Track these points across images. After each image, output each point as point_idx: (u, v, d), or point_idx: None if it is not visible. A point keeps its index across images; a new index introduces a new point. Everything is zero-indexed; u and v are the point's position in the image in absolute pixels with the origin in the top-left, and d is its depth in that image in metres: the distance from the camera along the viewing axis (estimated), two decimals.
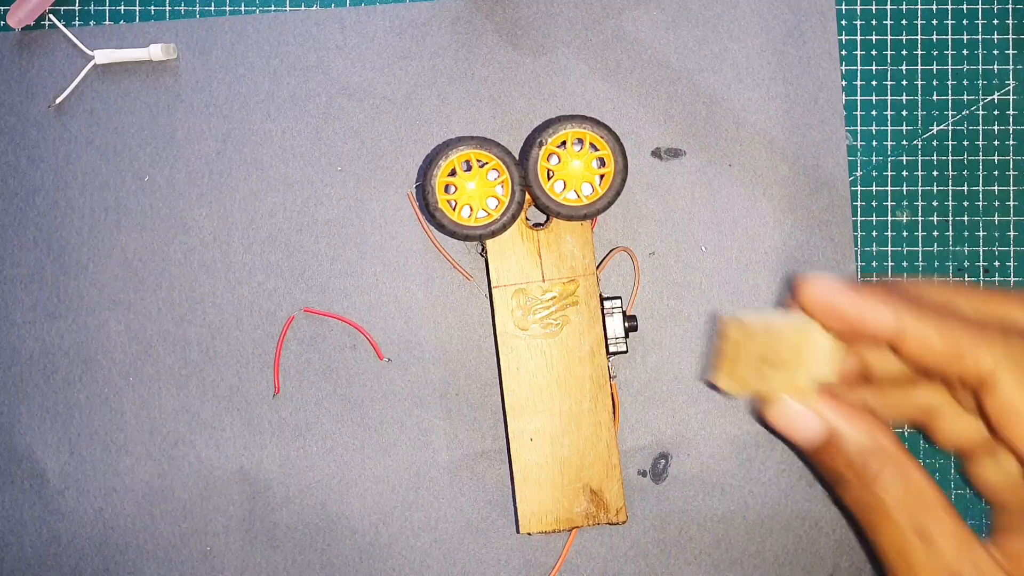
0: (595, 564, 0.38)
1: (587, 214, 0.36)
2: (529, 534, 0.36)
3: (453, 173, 0.35)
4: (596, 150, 0.36)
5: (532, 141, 0.36)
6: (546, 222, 0.37)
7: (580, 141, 0.36)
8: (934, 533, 0.29)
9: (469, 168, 0.36)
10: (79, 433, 0.39)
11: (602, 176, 0.36)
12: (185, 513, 0.39)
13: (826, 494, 0.38)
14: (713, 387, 0.38)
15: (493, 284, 0.36)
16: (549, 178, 0.36)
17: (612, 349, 0.36)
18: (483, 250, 0.37)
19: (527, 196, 0.36)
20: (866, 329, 0.29)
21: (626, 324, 0.36)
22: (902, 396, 0.33)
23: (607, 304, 0.36)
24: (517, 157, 0.36)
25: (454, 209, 0.36)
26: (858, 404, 0.33)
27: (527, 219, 0.37)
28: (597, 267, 0.37)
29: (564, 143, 0.36)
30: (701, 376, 0.38)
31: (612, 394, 0.37)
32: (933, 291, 0.31)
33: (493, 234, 0.36)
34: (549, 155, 0.36)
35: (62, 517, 0.39)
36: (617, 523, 0.36)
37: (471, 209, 0.36)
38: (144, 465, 0.39)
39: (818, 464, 0.31)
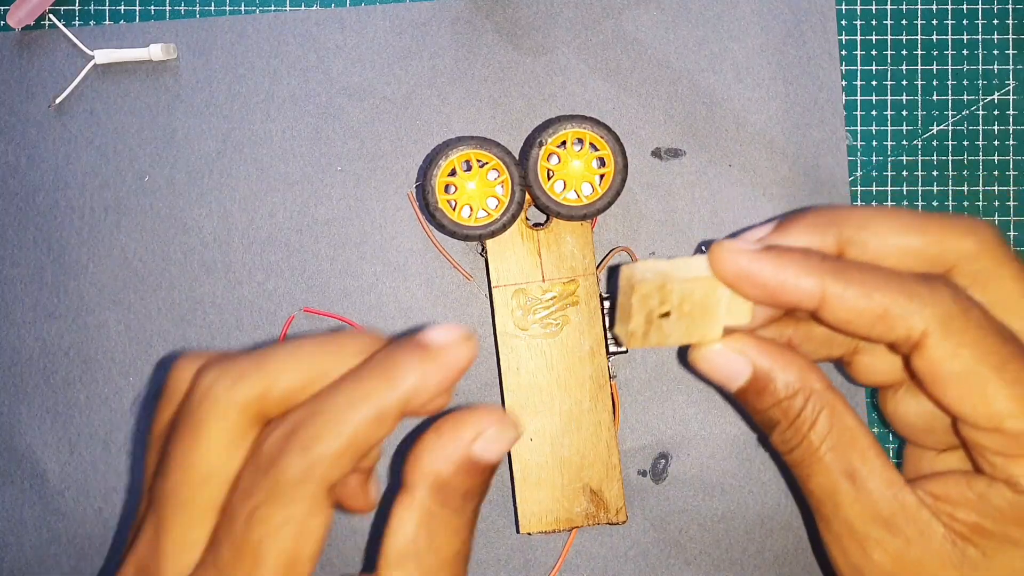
0: (595, 564, 0.38)
1: (587, 214, 0.36)
2: (529, 534, 0.36)
3: (453, 173, 0.35)
4: (596, 150, 0.36)
5: (532, 141, 0.36)
6: (546, 222, 0.37)
7: (580, 141, 0.36)
8: (864, 476, 0.28)
9: (469, 168, 0.36)
10: (79, 433, 0.39)
11: (602, 176, 0.36)
12: None
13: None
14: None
15: (493, 284, 0.36)
16: (549, 178, 0.36)
17: (612, 349, 0.36)
18: (483, 250, 0.37)
19: (527, 196, 0.36)
20: (785, 298, 0.27)
21: None
22: (826, 331, 0.31)
23: (607, 304, 0.36)
24: (517, 157, 0.36)
25: (454, 209, 0.36)
26: (782, 341, 0.32)
27: (527, 219, 0.37)
28: (597, 267, 0.37)
29: (564, 143, 0.36)
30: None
31: (612, 394, 0.37)
32: (866, 227, 0.28)
33: (493, 234, 0.36)
34: (549, 155, 0.36)
35: (62, 517, 0.39)
36: (617, 523, 0.36)
37: (471, 209, 0.36)
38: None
39: (746, 406, 0.30)
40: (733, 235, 0.30)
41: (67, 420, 0.39)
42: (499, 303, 0.36)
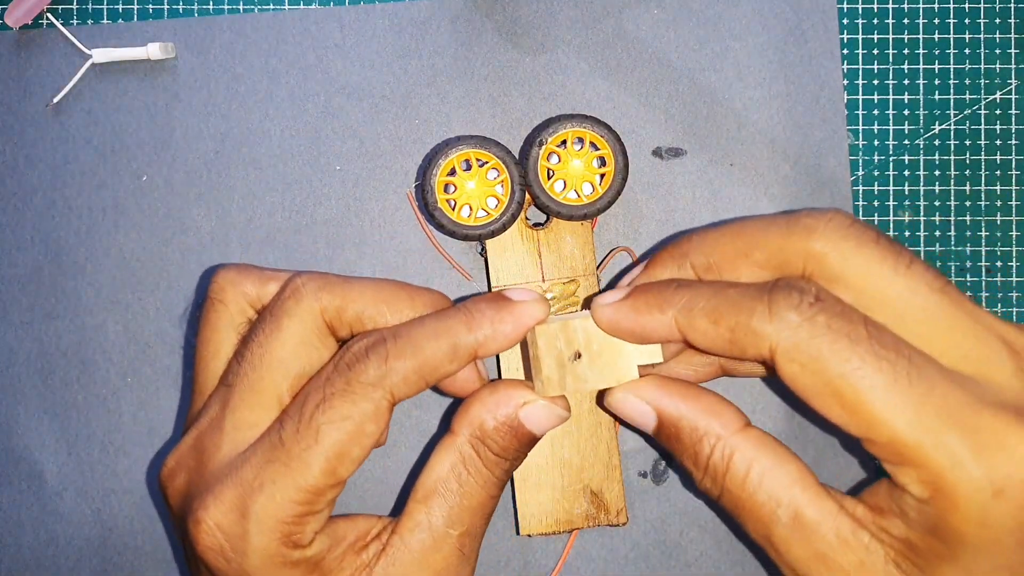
0: (595, 566, 0.38)
1: (587, 214, 0.35)
2: (529, 536, 0.36)
3: (452, 172, 0.35)
4: (596, 149, 0.35)
5: (532, 140, 0.35)
6: (546, 222, 0.37)
7: (580, 140, 0.35)
8: (793, 513, 0.26)
9: (469, 167, 0.35)
10: (77, 434, 0.38)
11: (602, 175, 0.36)
12: None
13: None
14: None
15: (493, 284, 0.36)
16: (549, 177, 0.35)
17: None
18: (483, 250, 0.37)
19: (527, 196, 0.36)
20: (655, 338, 0.27)
21: None
22: None
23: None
24: (517, 156, 0.36)
25: (453, 209, 0.35)
26: (712, 367, 0.32)
27: (527, 219, 0.37)
28: (597, 267, 0.37)
29: (564, 142, 0.35)
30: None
31: None
32: (708, 250, 0.29)
33: (493, 234, 0.35)
34: (549, 154, 0.35)
35: (60, 518, 0.38)
36: (618, 525, 0.36)
37: (471, 209, 0.35)
38: (142, 466, 0.38)
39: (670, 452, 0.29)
40: (618, 276, 0.33)
41: (65, 421, 0.38)
42: None
